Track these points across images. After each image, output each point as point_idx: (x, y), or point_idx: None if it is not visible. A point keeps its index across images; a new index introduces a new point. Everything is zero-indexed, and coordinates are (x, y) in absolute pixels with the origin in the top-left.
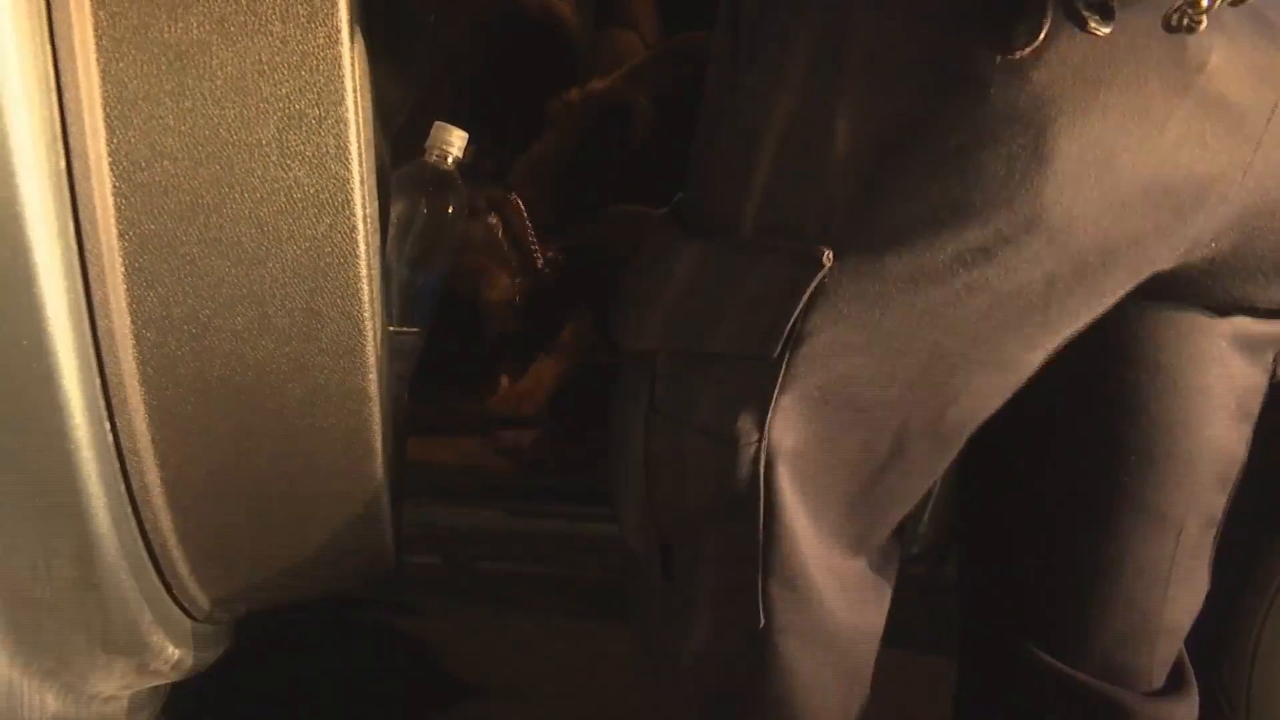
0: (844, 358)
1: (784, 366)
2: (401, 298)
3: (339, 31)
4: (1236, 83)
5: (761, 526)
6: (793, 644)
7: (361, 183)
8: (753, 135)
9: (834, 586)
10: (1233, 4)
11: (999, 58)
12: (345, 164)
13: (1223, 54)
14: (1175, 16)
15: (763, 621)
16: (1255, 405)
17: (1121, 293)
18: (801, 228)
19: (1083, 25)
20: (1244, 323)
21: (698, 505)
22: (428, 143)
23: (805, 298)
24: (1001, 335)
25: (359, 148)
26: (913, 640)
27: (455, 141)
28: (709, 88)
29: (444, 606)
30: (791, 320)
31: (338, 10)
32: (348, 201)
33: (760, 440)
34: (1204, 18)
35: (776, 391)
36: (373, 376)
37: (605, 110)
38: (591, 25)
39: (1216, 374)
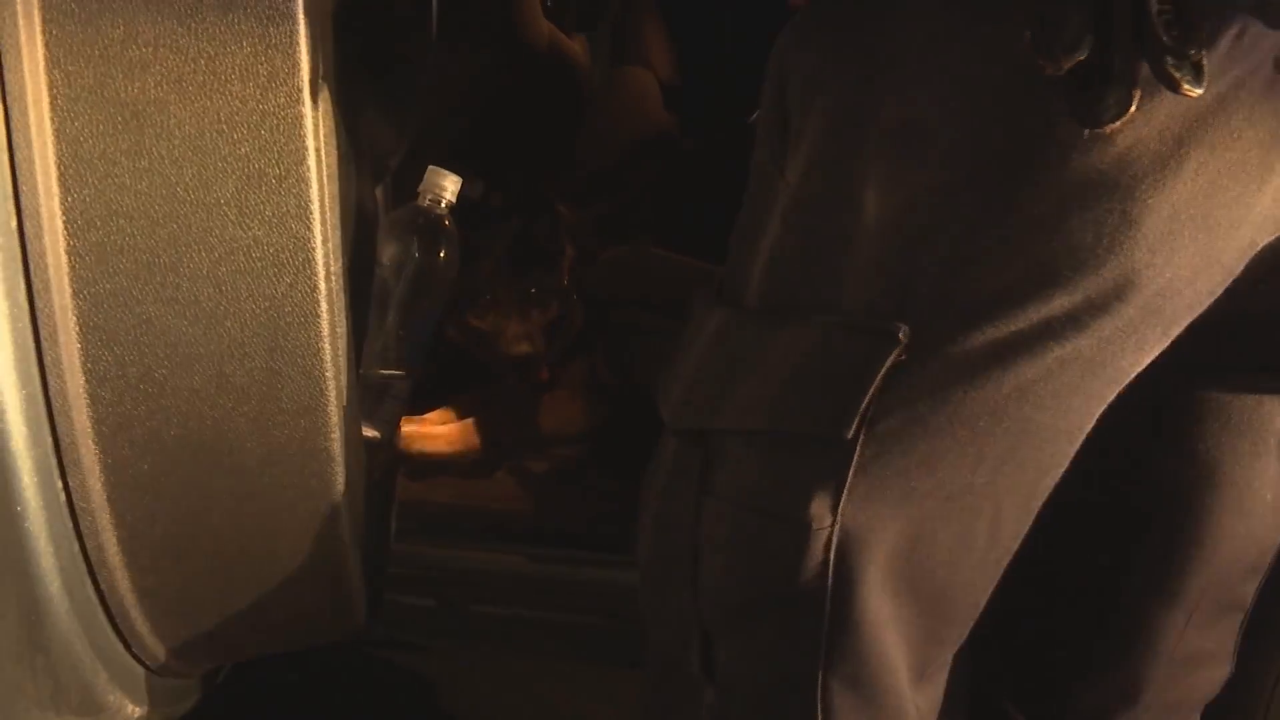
0: (924, 439)
1: (858, 447)
2: (393, 342)
3: (300, 91)
4: None
5: (828, 616)
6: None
7: (324, 241)
8: (832, 220)
9: (903, 701)
10: None
11: (1086, 131)
12: (306, 223)
13: None
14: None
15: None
16: None
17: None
18: (872, 304)
19: (1175, 88)
20: None
21: (755, 593)
22: (421, 186)
23: (880, 376)
24: (1092, 404)
25: (321, 206)
26: None
27: (448, 186)
28: (755, 174)
29: (439, 648)
30: (865, 399)
31: (299, 70)
32: (309, 261)
33: (833, 524)
34: None
35: (851, 474)
36: (335, 436)
37: None
38: (605, 63)
39: (1258, 469)
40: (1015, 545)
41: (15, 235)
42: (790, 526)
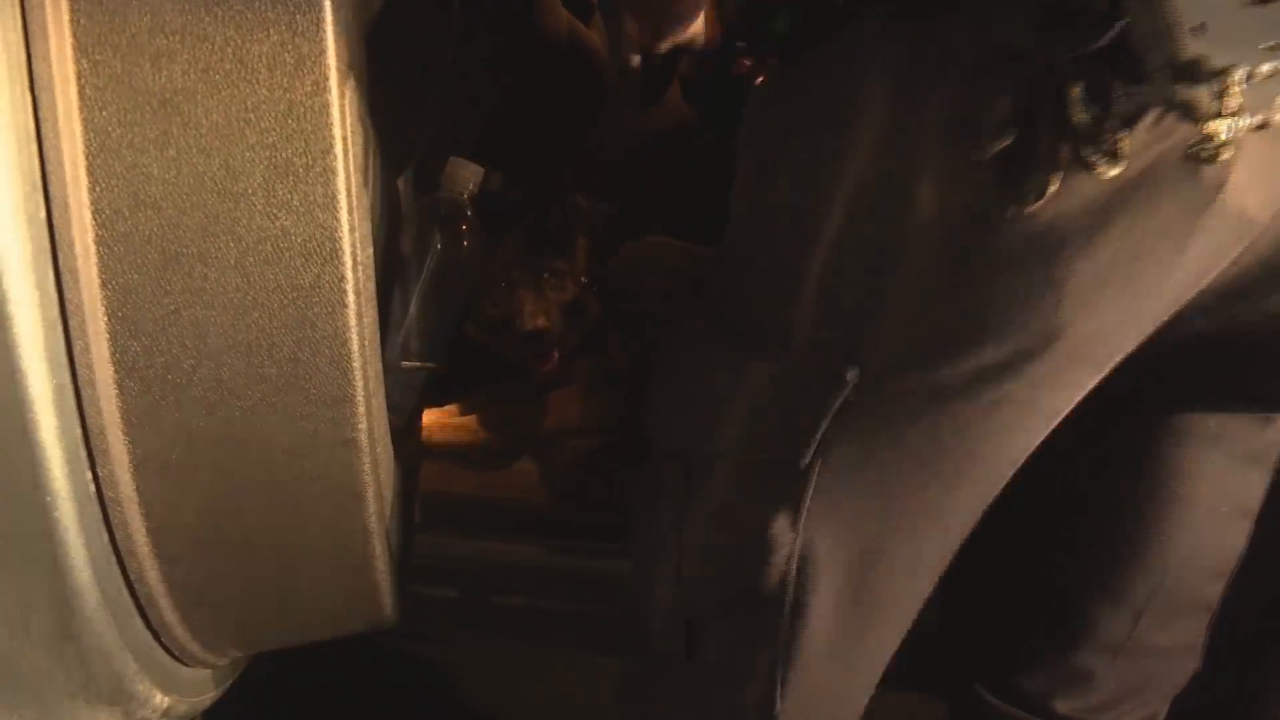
0: (874, 467)
1: (814, 473)
2: (415, 332)
3: (327, 79)
4: (1255, 196)
5: (787, 618)
6: (799, 708)
7: (351, 231)
8: (797, 256)
9: (853, 684)
10: (1258, 129)
11: (1010, 207)
12: (334, 213)
13: (1244, 170)
14: (1194, 150)
15: (779, 706)
16: (1255, 503)
17: None
18: (834, 343)
19: (1090, 169)
20: (1246, 435)
21: (726, 594)
22: (443, 177)
23: (832, 413)
24: (1031, 435)
25: (348, 196)
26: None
27: (470, 177)
28: (739, 206)
29: (460, 638)
30: (819, 431)
31: (326, 58)
32: (336, 251)
33: (793, 541)
34: (1228, 150)
35: (809, 497)
36: (362, 427)
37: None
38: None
39: (1208, 486)
40: (961, 542)
41: (44, 225)
42: (755, 542)
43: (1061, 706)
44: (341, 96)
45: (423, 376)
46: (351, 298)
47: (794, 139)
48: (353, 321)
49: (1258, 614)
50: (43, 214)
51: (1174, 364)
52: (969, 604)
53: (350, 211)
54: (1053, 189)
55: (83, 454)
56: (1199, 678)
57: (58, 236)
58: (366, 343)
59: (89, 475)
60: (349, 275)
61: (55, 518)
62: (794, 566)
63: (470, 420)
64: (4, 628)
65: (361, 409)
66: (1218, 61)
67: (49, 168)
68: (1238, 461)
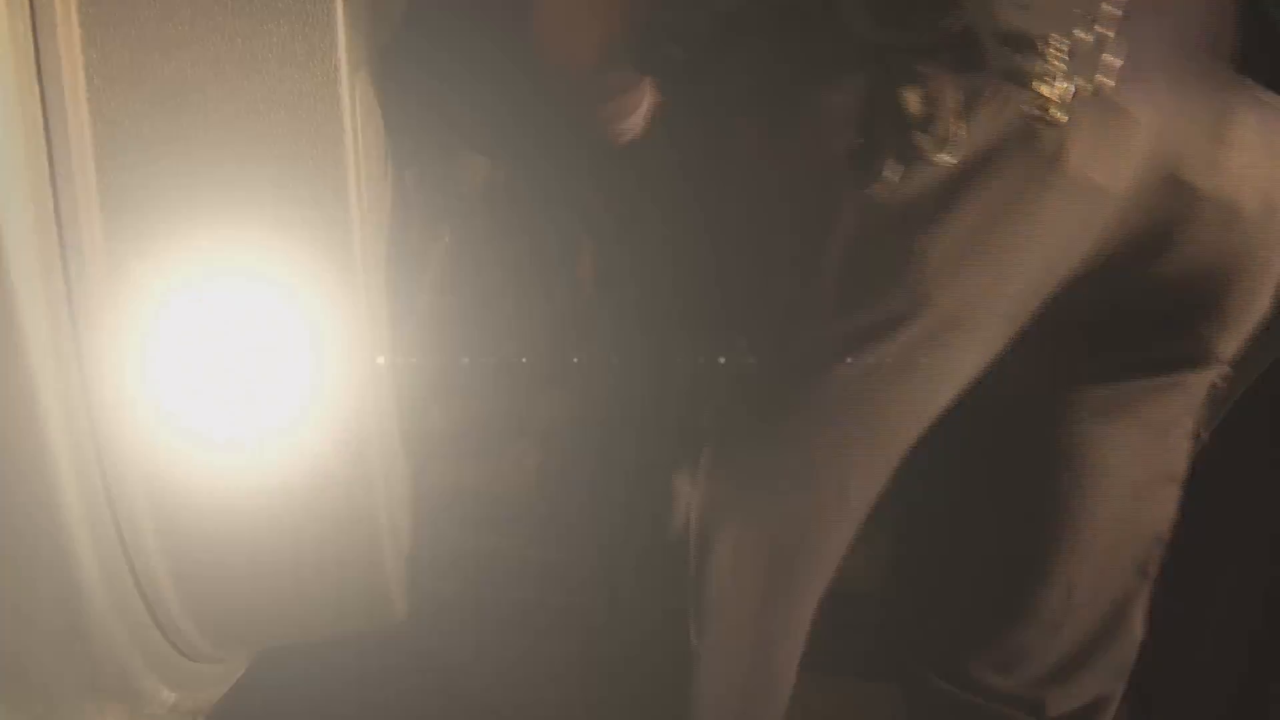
0: (763, 426)
1: (711, 433)
2: (424, 325)
3: (337, 70)
4: (1101, 167)
5: (693, 564)
6: (715, 656)
7: (361, 224)
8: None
9: (767, 627)
10: (1091, 95)
11: (862, 195)
12: (343, 204)
13: (1084, 142)
14: (1029, 114)
15: (696, 645)
16: (1177, 467)
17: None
18: (731, 316)
19: (926, 160)
20: (1154, 403)
21: (640, 548)
22: (451, 170)
23: (727, 379)
24: (917, 398)
25: (357, 187)
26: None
27: (479, 170)
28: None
29: (464, 632)
30: (714, 399)
31: (336, 49)
32: (345, 243)
33: (691, 492)
34: (1059, 111)
35: (706, 454)
36: (371, 422)
37: None
38: None
39: (1121, 456)
40: (867, 506)
41: (53, 219)
42: (660, 494)
43: (1006, 684)
44: (352, 88)
45: (428, 370)
46: (361, 291)
47: (714, 155)
48: (360, 315)
49: (1263, 615)
50: (51, 207)
51: (1072, 339)
52: (917, 592)
53: (359, 204)
54: (896, 180)
55: (91, 450)
56: (1208, 679)
57: (65, 230)
58: (375, 337)
59: (97, 470)
60: (358, 268)
61: (63, 514)
62: (693, 515)
63: (477, 413)
64: (12, 624)
65: (370, 404)
66: (1037, 31)
67: (57, 160)
68: (1150, 429)
